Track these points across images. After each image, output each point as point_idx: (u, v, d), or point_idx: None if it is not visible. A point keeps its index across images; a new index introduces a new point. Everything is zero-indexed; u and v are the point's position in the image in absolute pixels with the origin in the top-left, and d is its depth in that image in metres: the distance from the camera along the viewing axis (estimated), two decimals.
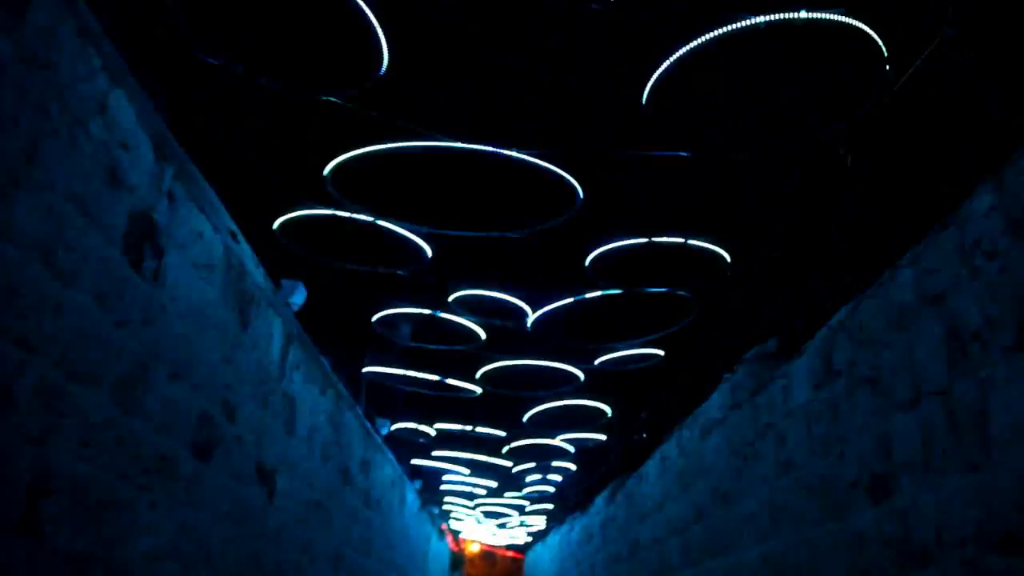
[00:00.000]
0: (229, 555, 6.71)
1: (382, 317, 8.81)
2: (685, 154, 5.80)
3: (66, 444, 4.19)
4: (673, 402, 9.85)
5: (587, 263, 6.98)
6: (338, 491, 11.08)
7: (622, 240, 6.70)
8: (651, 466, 10.95)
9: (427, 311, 8.41)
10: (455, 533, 38.07)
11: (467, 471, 18.53)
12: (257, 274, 7.31)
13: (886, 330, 4.85)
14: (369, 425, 13.23)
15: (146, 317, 5.05)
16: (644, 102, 5.14)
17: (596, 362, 9.72)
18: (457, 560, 41.71)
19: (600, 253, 6.88)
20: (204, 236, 5.99)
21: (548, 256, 7.24)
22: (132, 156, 4.74)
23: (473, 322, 8.70)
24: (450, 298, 8.13)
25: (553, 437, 14.70)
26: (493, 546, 45.17)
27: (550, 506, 25.43)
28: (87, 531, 4.45)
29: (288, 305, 8.86)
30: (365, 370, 10.75)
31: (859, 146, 5.59)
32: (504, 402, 11.77)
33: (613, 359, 9.55)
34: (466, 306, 8.26)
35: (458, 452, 16.12)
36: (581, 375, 10.17)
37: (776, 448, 5.95)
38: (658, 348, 9.45)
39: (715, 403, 7.88)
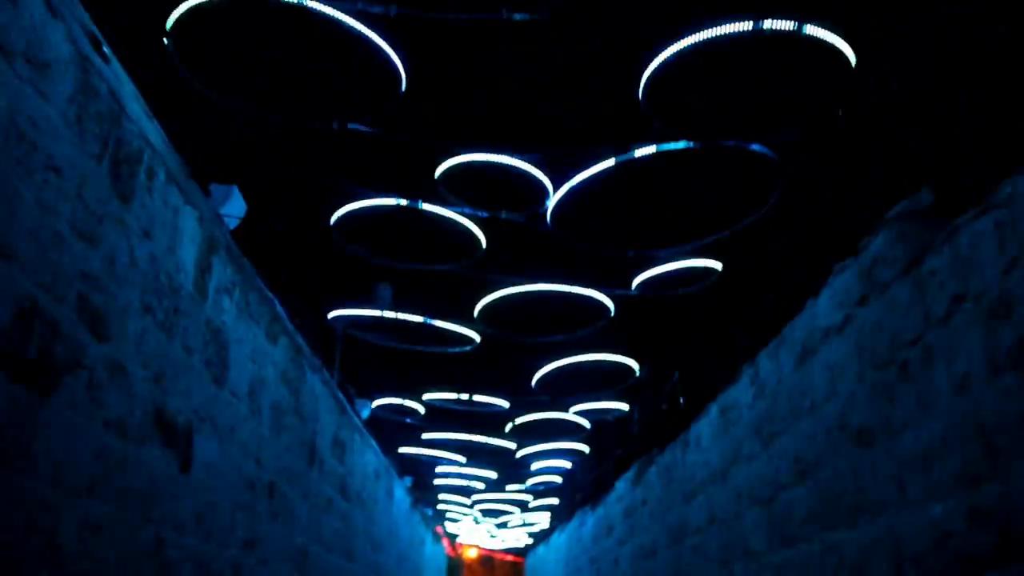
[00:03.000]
0: (99, 548, 4.25)
1: (349, 213, 6.35)
2: None
3: None
4: (738, 332, 7.48)
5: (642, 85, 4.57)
6: (302, 474, 8.62)
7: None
8: (703, 427, 8.52)
9: (404, 201, 5.96)
10: (452, 537, 35.56)
11: (463, 459, 16.06)
12: (149, 128, 4.87)
13: None
14: (343, 397, 10.77)
15: None
16: None
17: (634, 284, 7.30)
18: (454, 566, 39.18)
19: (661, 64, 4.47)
20: (35, 22, 3.56)
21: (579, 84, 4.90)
22: None
23: (469, 217, 6.27)
24: (438, 171, 5.69)
25: (566, 408, 12.25)
26: (492, 550, 42.64)
27: (555, 501, 22.99)
28: None
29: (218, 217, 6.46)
30: (334, 314, 8.29)
31: None
32: (508, 356, 9.34)
33: (657, 277, 7.14)
34: (461, 185, 5.82)
35: (452, 433, 13.64)
36: (611, 305, 7.74)
37: (985, 334, 3.58)
38: (715, 261, 7.06)
39: (824, 308, 5.47)
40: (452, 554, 38.75)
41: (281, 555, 7.76)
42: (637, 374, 10.16)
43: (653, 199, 6.01)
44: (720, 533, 7.86)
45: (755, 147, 5.39)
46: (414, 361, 10.34)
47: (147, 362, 4.86)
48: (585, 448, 15.47)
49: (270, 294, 7.54)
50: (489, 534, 34.21)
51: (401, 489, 17.42)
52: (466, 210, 6.11)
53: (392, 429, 14.19)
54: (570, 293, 7.36)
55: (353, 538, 11.57)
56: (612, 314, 7.80)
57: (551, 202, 5.79)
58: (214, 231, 6.03)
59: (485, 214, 6.11)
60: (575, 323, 7.98)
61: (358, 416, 12.53)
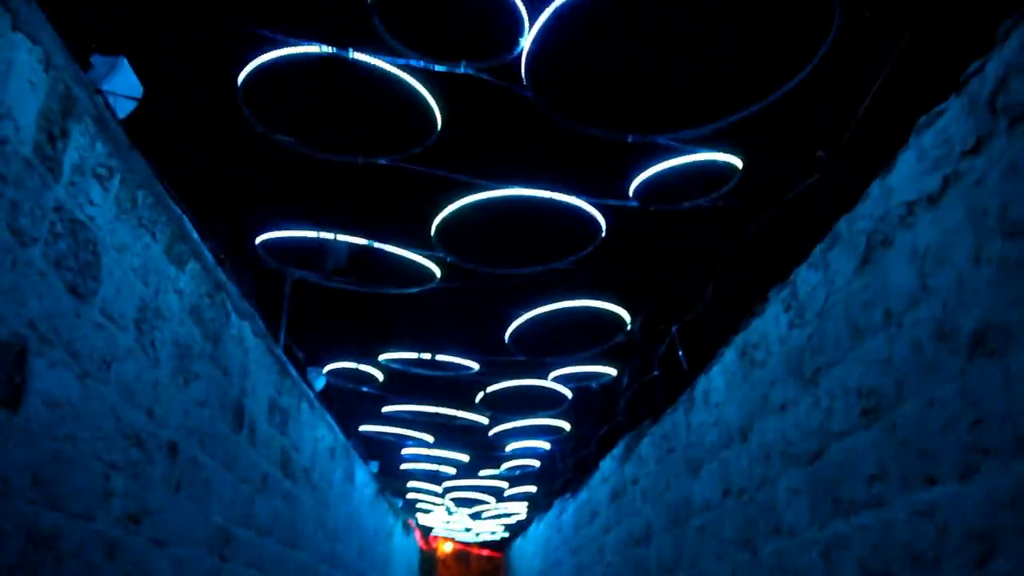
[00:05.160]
0: None
1: (259, 75, 4.74)
2: None
3: None
4: (764, 250, 5.96)
5: None
6: (223, 440, 7.01)
7: None
8: (715, 378, 6.98)
9: (329, 49, 4.35)
10: (425, 530, 33.94)
11: (430, 438, 14.46)
12: None
13: None
14: (287, 359, 9.16)
15: None
16: None
17: (633, 188, 5.74)
18: (428, 560, 37.53)
19: None
20: None
21: None
22: None
23: (415, 74, 4.67)
24: None
25: (544, 374, 10.69)
26: (467, 544, 41.02)
27: (532, 488, 21.43)
28: None
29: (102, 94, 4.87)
30: (262, 239, 6.67)
31: None
32: (476, 301, 7.75)
33: (663, 176, 5.59)
34: (405, 22, 4.23)
35: (416, 405, 12.03)
36: (602, 222, 6.18)
37: None
38: (736, 157, 5.52)
39: (904, 178, 3.95)
40: (425, 548, 37.10)
41: (189, 537, 6.15)
42: (628, 327, 8.60)
43: (668, 48, 4.47)
44: (739, 508, 6.34)
45: None
46: (367, 315, 8.75)
47: None
48: (566, 425, 13.91)
49: (175, 205, 5.94)
50: (463, 527, 32.61)
51: (365, 473, 15.79)
52: (412, 62, 4.52)
53: (351, 402, 12.59)
54: (552, 202, 5.78)
55: (299, 523, 9.96)
56: (603, 235, 6.22)
57: (526, 41, 4.22)
58: (75, 89, 4.43)
59: (440, 67, 4.53)
60: (557, 245, 6.40)
61: (309, 385, 10.92)
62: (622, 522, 11.31)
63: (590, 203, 5.90)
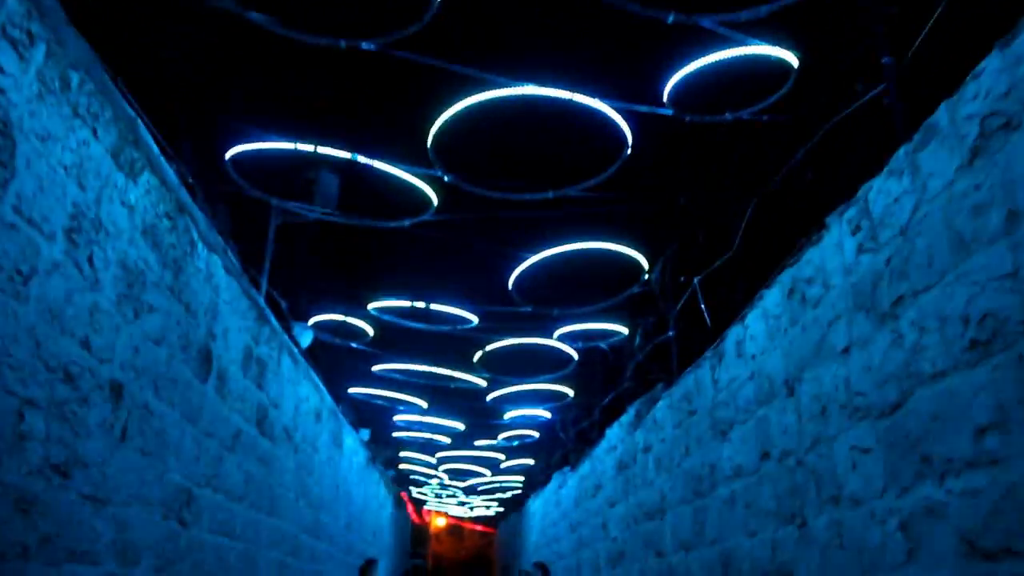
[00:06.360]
0: None
1: None
2: None
3: None
4: (823, 166, 5.01)
5: None
6: (184, 386, 6.09)
7: None
8: (752, 323, 6.05)
9: None
10: (418, 504, 33.22)
11: (424, 403, 13.54)
12: None
13: None
14: (261, 300, 8.23)
15: None
16: None
17: (668, 88, 4.77)
18: (421, 534, 36.85)
19: None
20: None
21: None
22: None
23: None
24: None
25: (550, 332, 9.75)
26: (461, 519, 40.35)
27: (530, 461, 20.59)
28: None
29: None
30: (233, 153, 5.70)
31: None
32: (476, 237, 6.79)
33: (706, 73, 4.63)
34: None
35: (409, 364, 11.09)
36: (627, 132, 5.21)
37: None
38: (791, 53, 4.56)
39: None
40: (419, 522, 36.40)
41: (137, 495, 5.24)
42: (646, 276, 7.67)
43: None
44: (782, 474, 5.44)
45: None
46: (354, 255, 7.79)
47: None
48: (569, 392, 13.01)
49: (125, 103, 4.98)
50: (457, 500, 31.85)
51: (354, 440, 14.90)
52: None
53: (339, 362, 11.66)
54: (571, 106, 4.81)
55: (278, 489, 9.07)
56: (628, 151, 5.26)
57: None
58: None
59: None
60: (573, 165, 5.42)
61: (294, 341, 10.00)
62: (631, 495, 10.44)
63: (615, 108, 4.95)
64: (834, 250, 4.74)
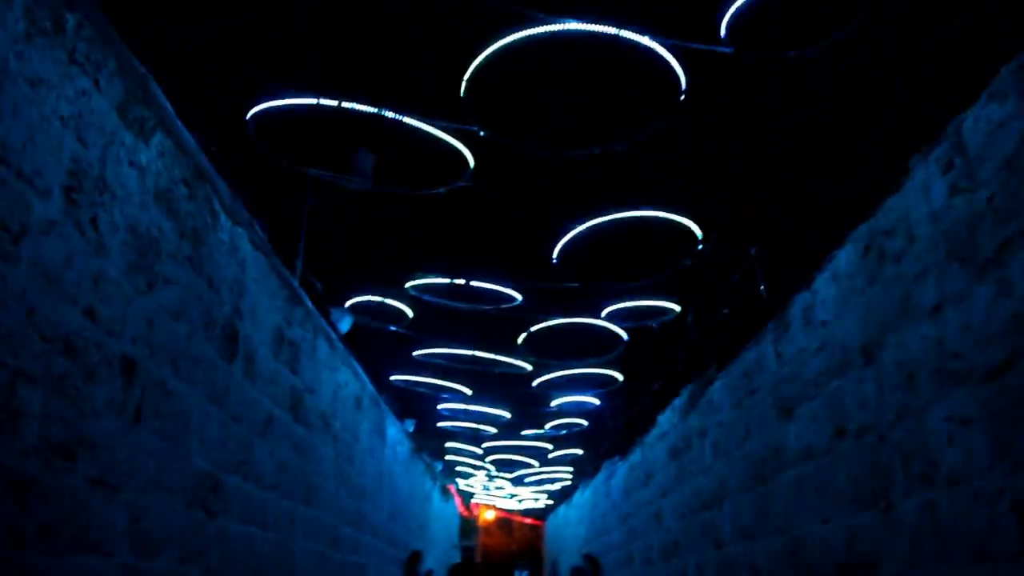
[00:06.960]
0: None
1: None
2: None
3: None
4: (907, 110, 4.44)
5: None
6: (209, 366, 5.71)
7: None
8: (821, 288, 5.46)
9: None
10: (466, 496, 32.88)
11: (468, 391, 13.11)
12: None
13: None
14: (294, 280, 7.85)
15: None
16: None
17: (724, 23, 4.23)
18: (469, 527, 36.53)
19: None
20: None
21: None
22: None
23: None
24: None
25: (597, 311, 9.24)
26: (510, 512, 39.93)
27: (579, 451, 20.08)
28: None
29: None
30: (254, 111, 5.29)
31: None
32: (516, 201, 6.30)
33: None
34: None
35: (451, 348, 10.67)
36: (681, 79, 4.68)
37: None
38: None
39: None
40: (467, 515, 36.10)
41: (156, 482, 4.86)
42: (700, 247, 7.13)
43: None
44: (860, 452, 4.87)
45: None
46: (388, 229, 7.37)
47: None
48: (618, 376, 12.47)
49: (134, 58, 4.59)
50: (506, 493, 31.43)
51: (398, 430, 14.55)
52: None
53: (380, 348, 11.28)
54: (617, 43, 4.29)
55: (316, 478, 8.70)
56: (681, 97, 4.72)
57: None
58: None
59: None
60: (619, 117, 4.91)
61: (332, 325, 9.63)
62: (686, 482, 9.90)
63: (666, 46, 4.43)
64: (919, 196, 4.17)
